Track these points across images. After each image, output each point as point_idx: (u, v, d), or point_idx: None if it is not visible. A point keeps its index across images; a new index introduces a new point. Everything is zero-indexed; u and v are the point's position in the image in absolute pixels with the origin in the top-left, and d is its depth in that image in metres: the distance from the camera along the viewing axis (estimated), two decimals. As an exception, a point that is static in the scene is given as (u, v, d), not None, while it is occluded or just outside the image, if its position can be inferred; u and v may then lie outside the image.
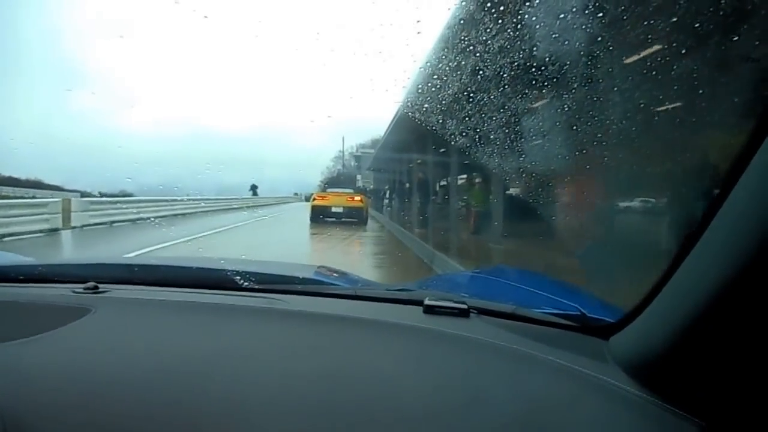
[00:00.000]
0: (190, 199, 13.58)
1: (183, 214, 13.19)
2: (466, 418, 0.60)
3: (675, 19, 2.32)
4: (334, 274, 1.41)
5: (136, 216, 11.15)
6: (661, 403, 0.60)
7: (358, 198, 15.36)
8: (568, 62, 2.58)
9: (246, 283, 1.05)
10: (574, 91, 2.62)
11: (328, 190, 15.99)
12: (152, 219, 10.78)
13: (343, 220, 14.38)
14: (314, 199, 14.91)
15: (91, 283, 1.00)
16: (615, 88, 2.73)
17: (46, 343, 0.78)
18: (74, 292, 0.98)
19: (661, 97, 2.68)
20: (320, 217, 14.19)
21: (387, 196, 21.83)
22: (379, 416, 0.62)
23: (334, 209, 14.44)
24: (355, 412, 0.62)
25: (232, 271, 1.08)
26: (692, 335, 0.54)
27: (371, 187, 24.38)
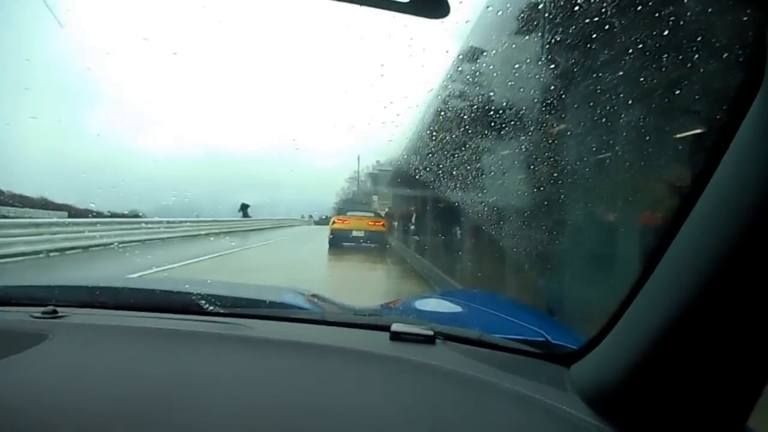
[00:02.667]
0: (146, 222, 10.51)
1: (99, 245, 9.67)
2: None
3: (621, 73, 2.46)
4: (304, 297, 1.37)
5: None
6: None
7: (380, 222, 14.50)
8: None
9: (211, 307, 1.02)
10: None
11: (349, 213, 15.00)
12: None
13: (363, 244, 13.40)
14: (334, 223, 14.12)
15: (49, 308, 0.97)
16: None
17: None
18: (32, 316, 0.94)
19: (611, 141, 2.82)
20: (340, 241, 13.31)
21: (413, 221, 16.02)
22: None
23: (354, 233, 13.53)
24: None
25: (197, 294, 1.05)
26: (649, 365, 0.55)
27: (387, 209, 19.98)
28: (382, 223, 14.46)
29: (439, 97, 3.25)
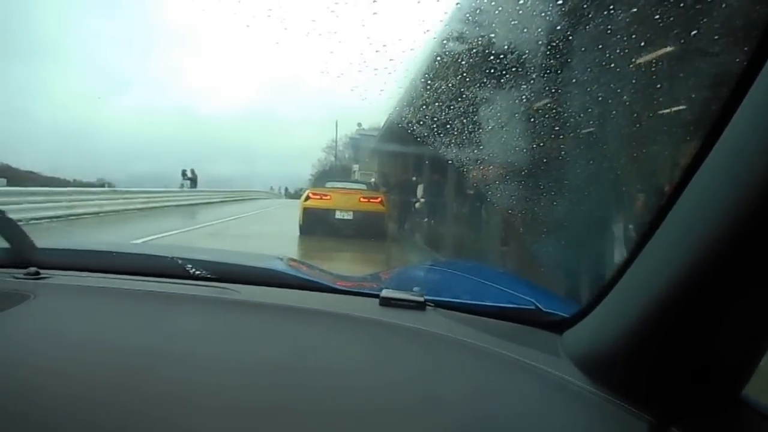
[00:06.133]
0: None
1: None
2: (419, 412, 0.60)
3: (635, 10, 2.25)
4: (294, 265, 1.36)
5: None
6: (611, 398, 0.60)
7: (376, 199, 9.95)
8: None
9: (197, 272, 1.02)
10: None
11: (330, 185, 10.64)
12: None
13: (351, 233, 9.33)
14: (307, 199, 9.68)
15: (32, 269, 0.96)
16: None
17: None
18: (14, 277, 0.94)
19: (619, 90, 2.63)
20: (317, 227, 9.20)
21: (419, 197, 11.45)
22: (330, 411, 0.60)
23: (339, 214, 9.48)
24: (304, 407, 0.60)
25: (183, 258, 1.04)
26: (643, 331, 0.56)
27: (372, 180, 14.47)
28: (379, 199, 10.07)
29: (436, 39, 3.02)
